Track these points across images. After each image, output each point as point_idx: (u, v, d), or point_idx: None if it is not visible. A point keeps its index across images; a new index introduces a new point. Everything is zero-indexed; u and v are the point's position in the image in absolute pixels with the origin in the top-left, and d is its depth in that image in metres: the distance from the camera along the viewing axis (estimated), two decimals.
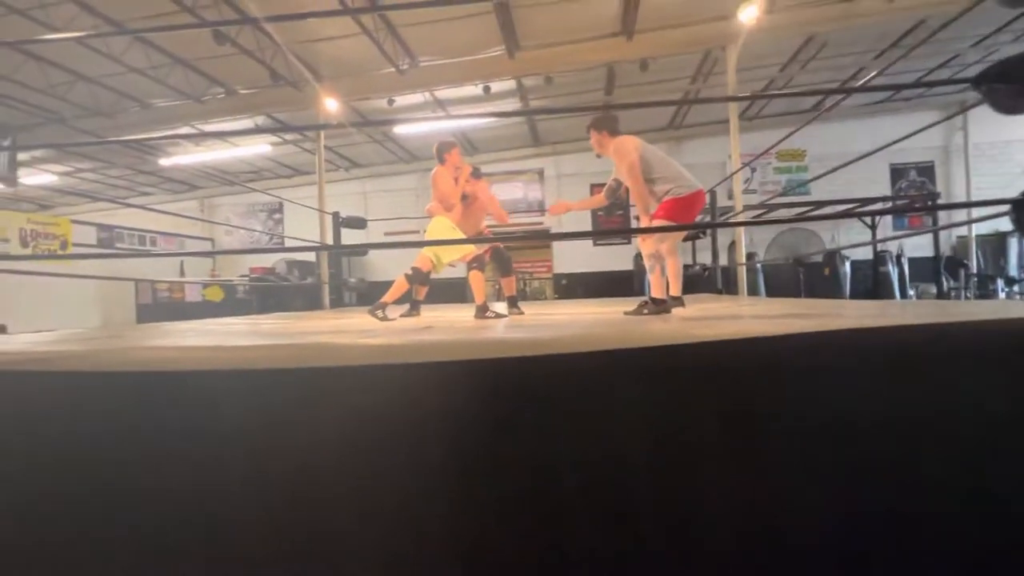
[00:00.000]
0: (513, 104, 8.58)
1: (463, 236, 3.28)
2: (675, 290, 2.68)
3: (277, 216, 12.04)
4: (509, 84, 7.96)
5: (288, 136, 9.40)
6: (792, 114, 9.88)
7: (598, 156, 2.95)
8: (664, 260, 2.67)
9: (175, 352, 1.35)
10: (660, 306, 2.64)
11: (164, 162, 10.12)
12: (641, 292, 8.38)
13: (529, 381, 1.21)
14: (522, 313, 3.36)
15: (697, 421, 1.18)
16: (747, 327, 1.32)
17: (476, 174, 3.60)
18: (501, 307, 3.97)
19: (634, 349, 1.18)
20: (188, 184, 11.97)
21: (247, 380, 1.25)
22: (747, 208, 6.02)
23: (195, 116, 7.98)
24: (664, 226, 2.57)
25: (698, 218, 2.89)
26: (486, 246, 3.54)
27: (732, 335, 1.23)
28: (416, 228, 10.62)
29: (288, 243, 10.93)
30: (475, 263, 3.12)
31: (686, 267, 7.15)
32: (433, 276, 3.49)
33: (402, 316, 3.42)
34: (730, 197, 8.72)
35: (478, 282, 3.11)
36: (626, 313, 2.68)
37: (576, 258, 10.70)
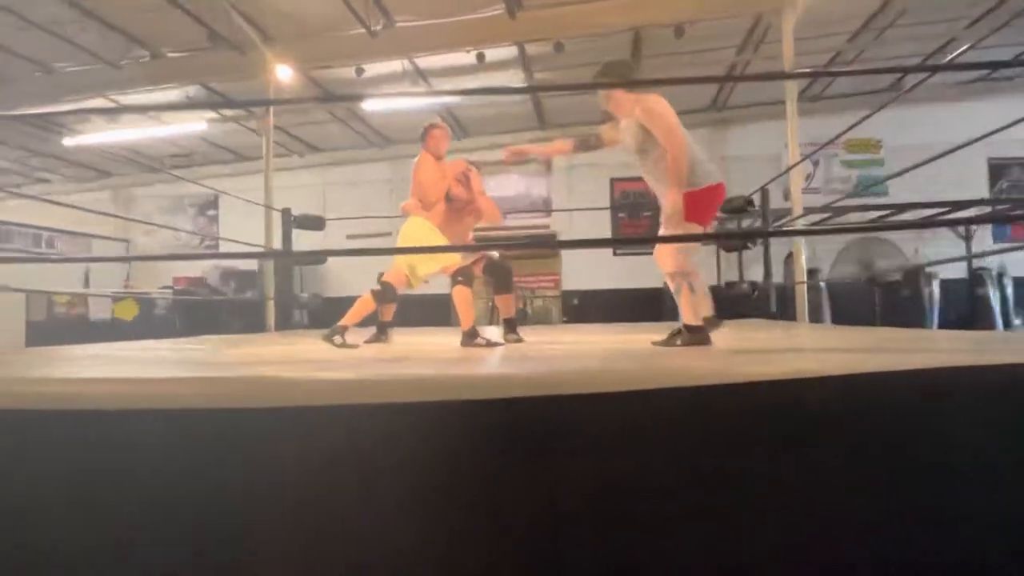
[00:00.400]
0: (514, 77, 8.66)
1: (444, 242, 3.29)
2: (705, 310, 2.69)
3: (211, 212, 12.07)
4: (509, 52, 8.06)
5: (228, 112, 9.47)
6: (864, 94, 10.01)
7: (603, 116, 2.95)
8: (685, 278, 2.68)
9: (74, 385, 1.34)
10: (696, 335, 2.65)
11: (68, 142, 10.16)
12: (674, 316, 8.38)
13: (527, 430, 1.22)
14: (521, 341, 3.37)
15: (744, 483, 1.18)
16: (807, 363, 1.33)
17: (462, 178, 3.52)
18: (494, 333, 3.97)
19: (665, 390, 1.18)
20: (98, 170, 11.99)
21: (166, 423, 1.25)
22: (808, 212, 6.06)
23: (110, 85, 8.02)
24: (706, 234, 2.59)
25: (713, 223, 2.90)
26: (475, 255, 3.55)
27: (788, 374, 1.24)
28: (389, 230, 10.63)
29: (224, 247, 10.94)
30: (460, 276, 3.13)
31: (729, 285, 7.21)
32: (406, 292, 3.49)
33: (367, 343, 3.42)
34: (787, 198, 8.74)
35: (464, 301, 3.11)
36: (655, 343, 2.69)
37: (591, 271, 10.74)
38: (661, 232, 2.78)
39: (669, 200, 2.68)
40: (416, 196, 3.41)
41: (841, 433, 1.22)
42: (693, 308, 2.70)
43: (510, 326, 3.56)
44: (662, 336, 2.82)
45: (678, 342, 2.65)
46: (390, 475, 1.23)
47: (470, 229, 3.75)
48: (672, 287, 2.73)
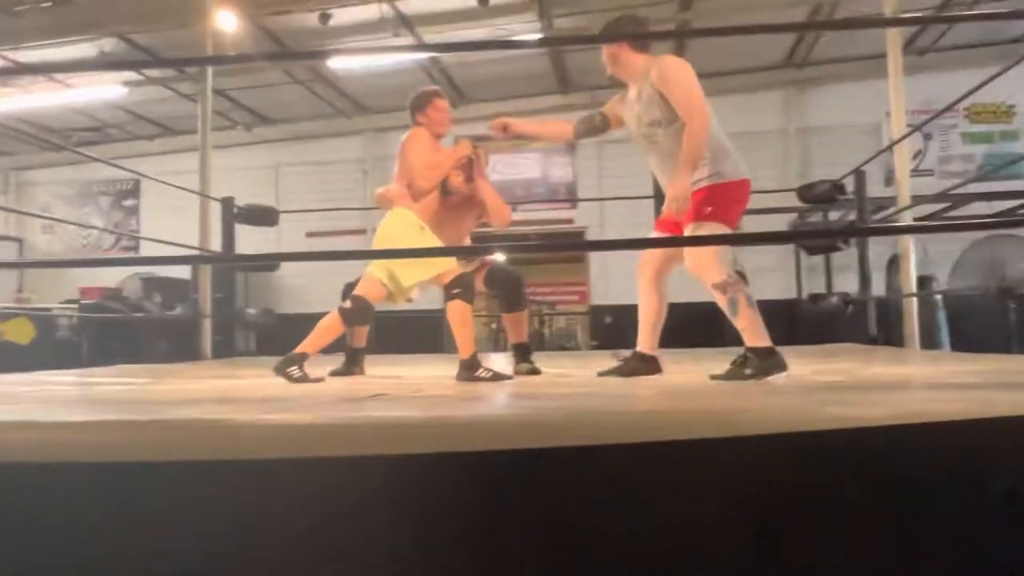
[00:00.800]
0: (528, 26, 8.72)
1: (435, 243, 3.29)
2: (751, 340, 2.71)
3: (130, 202, 12.22)
4: None
5: (153, 73, 9.57)
6: (992, 45, 9.97)
7: (611, 78, 3.03)
8: (738, 288, 2.71)
9: None
10: (768, 360, 2.66)
11: None
12: (736, 338, 8.37)
13: (544, 493, 1.20)
14: (537, 373, 3.36)
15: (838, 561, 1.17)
16: (917, 403, 1.32)
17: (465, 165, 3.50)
18: (501, 362, 3.96)
19: (731, 440, 1.18)
20: None
21: (74, 479, 1.25)
22: (917, 201, 6.04)
23: (2, 38, 8.16)
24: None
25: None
26: (476, 260, 3.55)
27: (894, 418, 1.23)
28: (362, 226, 10.69)
29: (146, 248, 11.01)
30: (457, 288, 3.14)
31: (814, 298, 7.18)
32: (385, 309, 3.50)
33: (332, 375, 3.42)
34: (889, 183, 8.70)
35: (462, 321, 3.12)
36: (715, 377, 2.70)
37: (628, 281, 10.65)
38: (685, 226, 2.82)
39: (678, 185, 2.75)
40: (402, 181, 3.41)
41: (969, 495, 1.21)
42: (756, 324, 2.71)
43: (522, 353, 3.55)
44: (723, 367, 2.81)
45: (747, 372, 2.65)
46: (357, 553, 1.23)
47: (470, 231, 3.75)
48: (723, 302, 2.73)
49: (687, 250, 2.83)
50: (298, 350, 3.12)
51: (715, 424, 1.22)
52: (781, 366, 2.66)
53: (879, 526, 1.21)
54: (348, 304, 3.25)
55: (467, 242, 3.69)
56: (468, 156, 3.47)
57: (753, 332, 2.69)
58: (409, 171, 3.38)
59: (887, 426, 1.22)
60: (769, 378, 2.61)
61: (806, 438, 1.21)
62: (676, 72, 2.82)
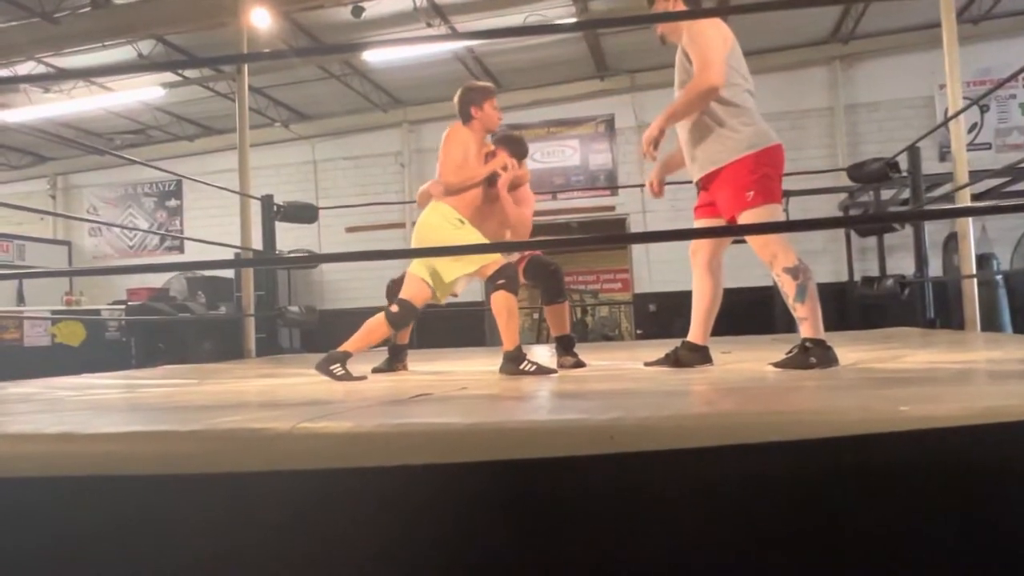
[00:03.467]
0: (562, 10, 8.65)
1: (476, 236, 3.25)
2: (811, 330, 2.63)
3: (173, 203, 12.44)
4: None
5: (191, 73, 9.72)
6: None
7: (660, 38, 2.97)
8: (809, 274, 2.64)
9: None
10: (826, 353, 2.59)
11: None
12: (789, 323, 8.25)
13: (605, 501, 1.16)
14: (582, 365, 3.32)
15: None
16: (991, 398, 1.24)
17: (519, 151, 3.57)
18: (545, 354, 3.92)
19: (798, 444, 1.12)
20: (31, 153, 12.51)
21: (110, 492, 1.24)
22: (976, 178, 5.83)
23: (44, 44, 8.33)
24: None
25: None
26: (517, 253, 3.52)
27: (969, 417, 1.16)
28: (401, 220, 10.77)
29: (191, 248, 11.20)
30: (502, 279, 3.11)
31: (867, 281, 6.99)
32: (429, 306, 3.49)
33: (375, 372, 3.42)
34: (944, 158, 8.46)
35: (508, 312, 3.09)
36: (774, 365, 2.63)
37: (673, 267, 10.54)
38: (738, 214, 2.73)
39: (651, 126, 2.76)
40: (443, 176, 3.38)
41: None
42: (817, 315, 2.64)
43: (565, 346, 3.51)
44: (774, 356, 2.74)
45: (812, 360, 2.57)
46: (402, 563, 1.20)
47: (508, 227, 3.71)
48: (791, 287, 2.63)
49: (751, 236, 2.76)
50: (341, 348, 3.12)
51: (775, 427, 1.16)
52: (836, 360, 2.60)
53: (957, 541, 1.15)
54: (395, 308, 3.24)
55: (509, 235, 3.65)
56: (498, 169, 3.45)
57: (814, 322, 2.63)
58: (449, 167, 3.35)
59: (964, 426, 1.15)
60: (829, 368, 2.54)
61: (875, 440, 1.15)
62: (702, 29, 2.74)
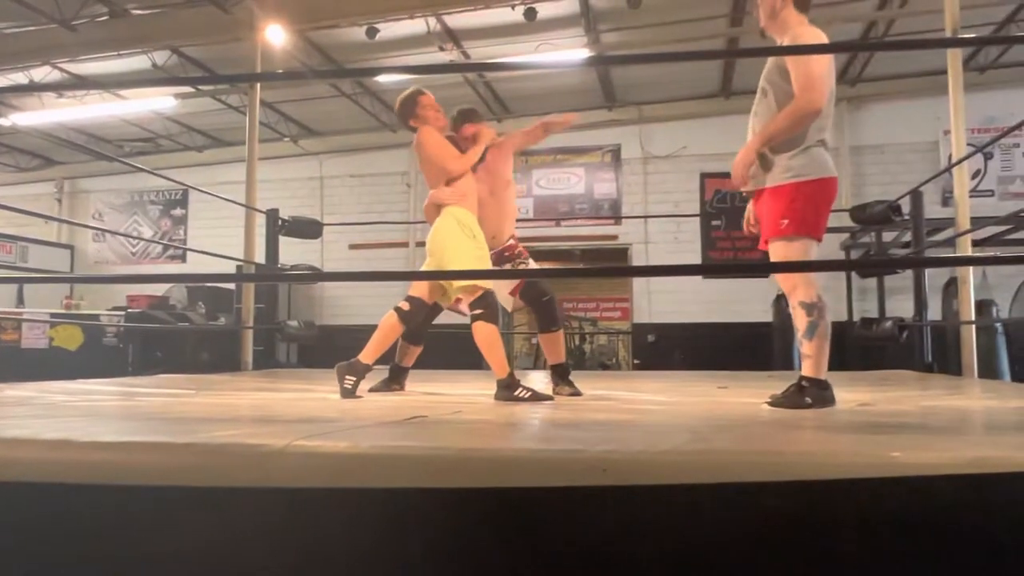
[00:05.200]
0: (574, 40, 8.72)
1: (486, 252, 3.29)
2: (812, 369, 2.59)
3: (178, 212, 12.47)
4: (568, 6, 8.13)
5: (204, 87, 9.78)
6: None
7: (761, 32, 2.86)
8: (824, 314, 2.58)
9: None
10: (823, 393, 2.57)
11: (2, 121, 10.68)
12: (787, 360, 8.22)
13: (580, 528, 1.16)
14: (578, 394, 3.32)
15: None
16: (982, 449, 1.24)
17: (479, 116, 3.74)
18: (540, 381, 3.91)
19: (791, 485, 1.12)
20: (40, 156, 12.57)
21: (106, 501, 1.24)
22: (978, 224, 5.85)
23: (59, 51, 8.41)
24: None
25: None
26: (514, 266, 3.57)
27: (965, 465, 1.17)
28: (405, 239, 10.79)
29: (193, 258, 11.21)
30: (479, 309, 3.11)
31: (866, 323, 6.99)
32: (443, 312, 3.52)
33: (371, 392, 3.42)
34: (946, 203, 8.48)
35: (487, 343, 3.11)
36: (771, 404, 2.62)
37: (673, 297, 10.57)
38: (770, 240, 2.69)
39: (742, 152, 2.64)
40: (437, 179, 3.39)
41: None
42: (823, 355, 2.60)
43: (560, 374, 3.51)
44: (774, 390, 2.73)
45: (807, 400, 2.54)
46: None
47: (510, 201, 3.72)
48: (803, 322, 2.60)
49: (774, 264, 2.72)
50: (362, 357, 3.16)
51: (770, 467, 1.16)
52: (833, 401, 2.58)
53: None
54: (405, 306, 3.26)
55: (511, 225, 3.68)
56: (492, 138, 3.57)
57: (817, 361, 2.60)
58: (437, 166, 3.37)
59: (958, 475, 1.15)
60: (824, 409, 2.52)
61: (866, 485, 1.15)
62: (807, 40, 2.61)
